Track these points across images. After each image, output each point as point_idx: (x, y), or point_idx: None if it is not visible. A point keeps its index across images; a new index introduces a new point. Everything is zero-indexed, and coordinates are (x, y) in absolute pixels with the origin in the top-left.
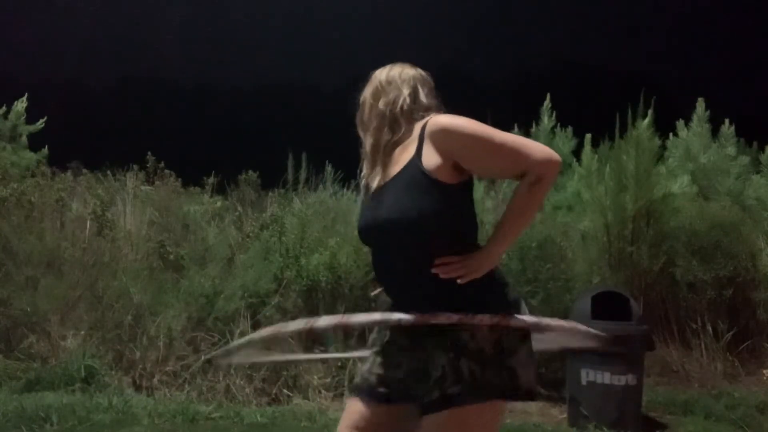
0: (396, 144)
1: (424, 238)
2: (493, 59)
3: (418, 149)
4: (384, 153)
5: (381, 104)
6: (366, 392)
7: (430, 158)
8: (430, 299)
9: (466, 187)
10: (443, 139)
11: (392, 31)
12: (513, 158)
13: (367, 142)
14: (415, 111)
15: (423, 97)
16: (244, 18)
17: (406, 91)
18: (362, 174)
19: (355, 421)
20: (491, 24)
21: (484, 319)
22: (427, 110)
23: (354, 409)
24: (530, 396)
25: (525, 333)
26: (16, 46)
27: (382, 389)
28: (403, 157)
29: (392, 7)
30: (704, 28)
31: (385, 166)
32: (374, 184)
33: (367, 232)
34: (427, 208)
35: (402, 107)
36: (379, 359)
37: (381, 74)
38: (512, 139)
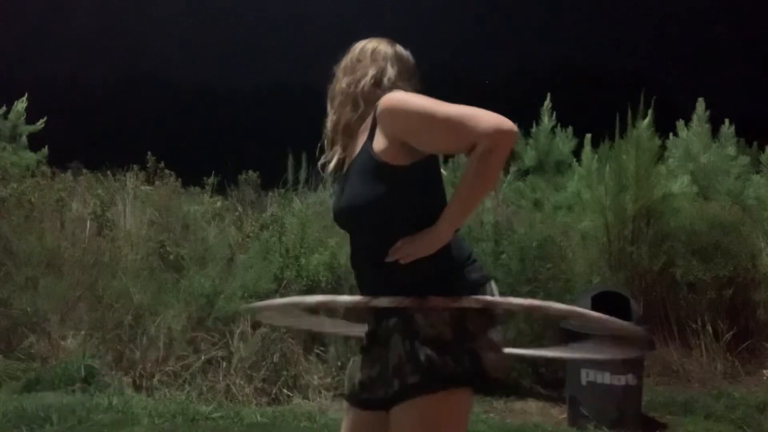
0: (358, 124)
1: (376, 224)
2: (493, 59)
3: (371, 132)
4: (344, 133)
5: (344, 82)
6: (353, 399)
7: (379, 141)
8: (384, 284)
9: (424, 165)
10: (387, 119)
11: (392, 31)
12: (458, 132)
13: (329, 119)
14: (377, 92)
15: (389, 78)
16: (245, 18)
17: (371, 71)
18: (324, 155)
19: (351, 429)
20: (492, 24)
21: (436, 301)
22: (390, 91)
23: (349, 416)
24: (496, 383)
25: (491, 315)
26: (16, 46)
27: (364, 395)
28: (360, 139)
29: (392, 7)
30: (704, 28)
31: (346, 147)
32: (331, 165)
33: (336, 220)
34: (374, 195)
35: (363, 88)
36: (360, 358)
37: (356, 48)
38: (457, 111)
